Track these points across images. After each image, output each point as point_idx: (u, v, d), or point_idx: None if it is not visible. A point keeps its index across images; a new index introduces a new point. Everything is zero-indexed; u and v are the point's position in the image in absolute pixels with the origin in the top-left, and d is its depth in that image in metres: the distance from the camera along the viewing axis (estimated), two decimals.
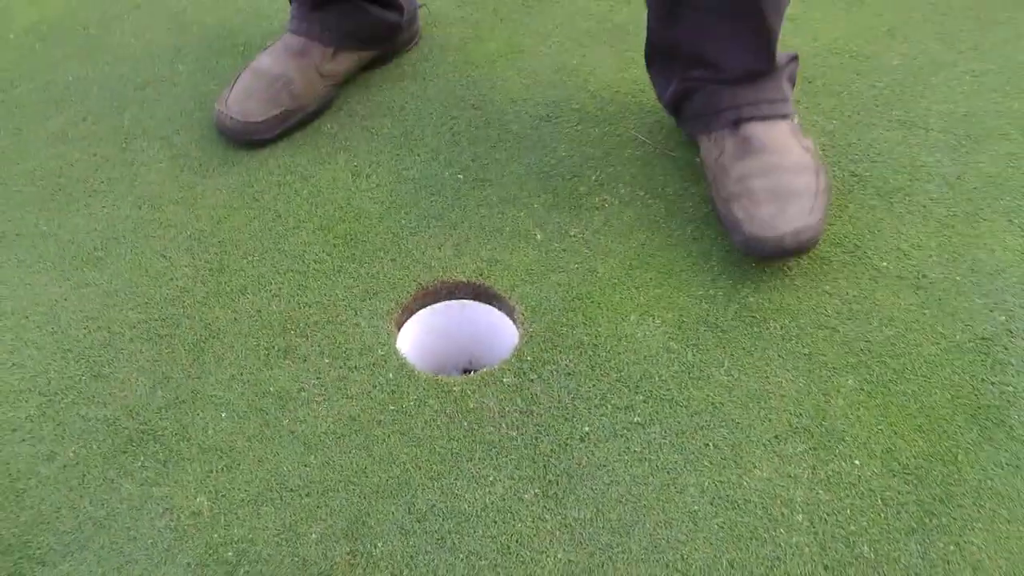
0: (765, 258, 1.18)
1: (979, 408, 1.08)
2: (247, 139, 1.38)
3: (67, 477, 1.06)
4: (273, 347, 1.15)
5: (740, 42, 1.23)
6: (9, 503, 1.04)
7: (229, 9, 1.66)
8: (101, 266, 1.25)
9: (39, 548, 1.01)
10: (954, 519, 0.99)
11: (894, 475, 1.03)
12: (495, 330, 1.19)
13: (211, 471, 1.05)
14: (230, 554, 0.99)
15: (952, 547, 0.98)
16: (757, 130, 1.25)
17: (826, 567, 0.97)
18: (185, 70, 1.53)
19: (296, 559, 0.99)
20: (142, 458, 1.07)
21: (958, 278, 1.20)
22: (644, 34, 1.50)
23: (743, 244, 1.18)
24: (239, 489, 1.04)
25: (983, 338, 1.14)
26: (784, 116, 1.26)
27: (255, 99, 1.37)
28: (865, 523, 0.99)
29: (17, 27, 1.62)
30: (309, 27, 1.41)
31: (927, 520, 0.99)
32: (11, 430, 1.10)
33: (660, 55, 1.31)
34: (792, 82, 1.32)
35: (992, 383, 1.10)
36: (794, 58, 1.31)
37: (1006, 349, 1.12)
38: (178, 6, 1.67)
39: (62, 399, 1.12)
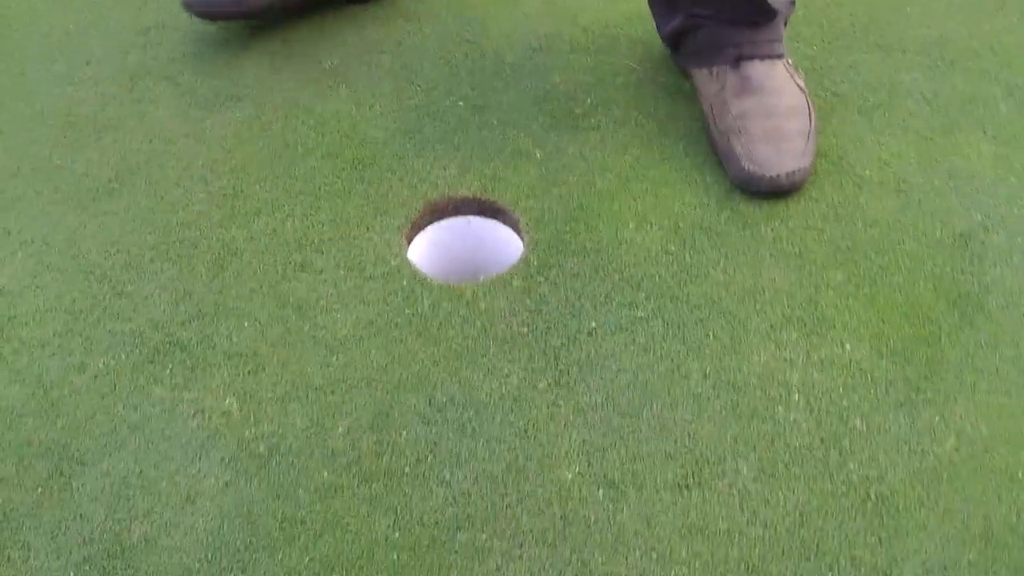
0: (759, 193, 1.25)
1: (959, 296, 1.15)
2: (208, 12, 1.46)
3: (99, 386, 1.11)
4: (290, 262, 1.21)
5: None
6: (44, 411, 1.09)
7: None
8: (117, 196, 1.30)
9: (78, 450, 1.06)
10: (939, 393, 1.06)
11: (882, 357, 1.10)
12: (500, 243, 1.25)
13: (238, 375, 1.11)
14: (262, 448, 1.05)
15: (937, 417, 1.05)
16: (757, 70, 1.33)
17: (822, 440, 1.03)
18: (184, 16, 1.57)
19: (325, 450, 1.04)
20: (170, 366, 1.12)
21: (936, 182, 1.27)
22: None
23: (739, 178, 1.26)
24: (266, 390, 1.09)
25: (961, 234, 1.21)
26: (780, 56, 1.34)
27: None
28: (857, 399, 1.06)
29: None
30: None
31: (913, 395, 1.06)
32: (40, 346, 1.15)
33: None
34: (786, 24, 1.38)
35: (971, 273, 1.17)
36: (792, 2, 1.38)
37: (983, 243, 1.20)
38: None
39: (87, 316, 1.17)
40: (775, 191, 1.25)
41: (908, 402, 1.06)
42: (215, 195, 1.29)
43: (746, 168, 1.25)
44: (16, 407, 1.10)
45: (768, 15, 1.32)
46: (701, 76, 1.36)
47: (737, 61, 1.33)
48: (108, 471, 1.04)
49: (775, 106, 1.30)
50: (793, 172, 1.25)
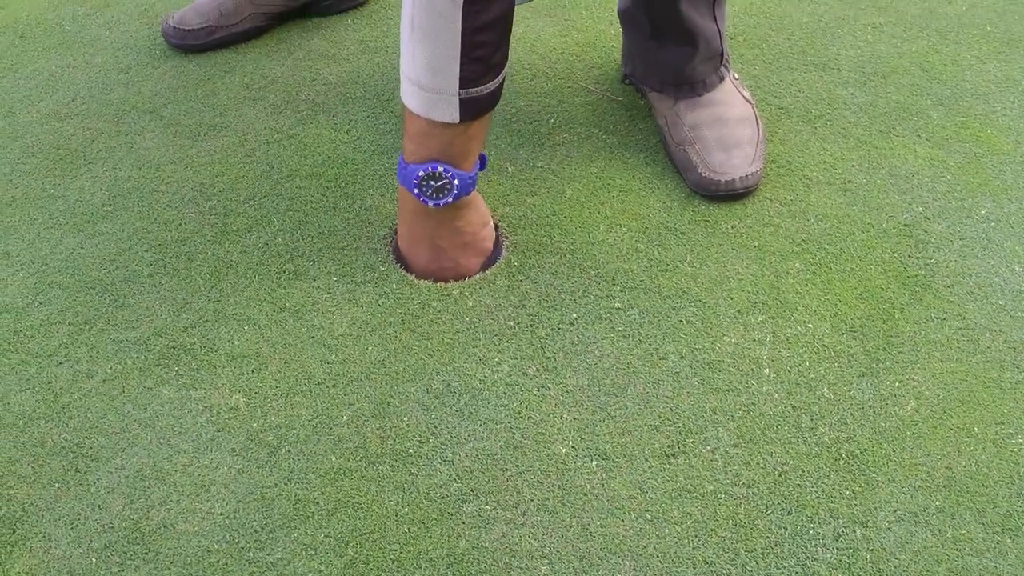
0: (715, 197, 1.35)
1: (908, 277, 1.25)
2: (180, 44, 1.65)
3: (108, 389, 1.16)
4: (284, 271, 1.27)
5: (695, 58, 1.41)
6: (56, 413, 1.14)
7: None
8: (111, 219, 1.36)
9: (91, 448, 1.11)
10: (897, 363, 1.16)
11: (842, 333, 1.19)
12: None
13: (242, 374, 1.17)
14: (271, 438, 1.11)
15: (897, 383, 1.14)
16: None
17: (794, 407, 1.12)
18: (162, 55, 1.65)
19: (332, 438, 1.10)
20: (176, 368, 1.17)
21: (879, 181, 1.38)
22: (580, 7, 1.68)
23: (697, 184, 1.36)
24: (270, 386, 1.15)
25: (905, 225, 1.31)
26: (723, 79, 1.44)
27: (193, 11, 1.64)
28: (822, 371, 1.15)
29: None
30: None
31: (874, 365, 1.16)
32: (47, 356, 1.20)
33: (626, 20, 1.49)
34: (723, 56, 1.49)
35: (917, 258, 1.27)
36: (721, 53, 1.49)
37: (925, 232, 1.30)
38: (146, 2, 1.79)
39: (92, 327, 1.22)
40: (731, 194, 1.35)
41: (869, 371, 1.15)
42: (206, 214, 1.35)
43: (703, 175, 1.35)
44: (28, 412, 1.14)
45: (716, 69, 1.42)
46: (654, 93, 1.47)
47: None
48: (122, 465, 1.09)
49: (725, 116, 1.40)
50: (747, 176, 1.35)
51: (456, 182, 1.17)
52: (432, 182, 1.17)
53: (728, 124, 1.40)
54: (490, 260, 1.29)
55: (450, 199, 1.19)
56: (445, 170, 1.16)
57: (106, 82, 1.59)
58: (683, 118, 1.41)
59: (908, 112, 1.49)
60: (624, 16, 1.45)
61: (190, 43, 1.63)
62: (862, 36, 1.65)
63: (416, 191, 1.18)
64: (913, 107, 1.50)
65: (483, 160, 1.22)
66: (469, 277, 1.27)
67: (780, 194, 1.36)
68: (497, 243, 1.31)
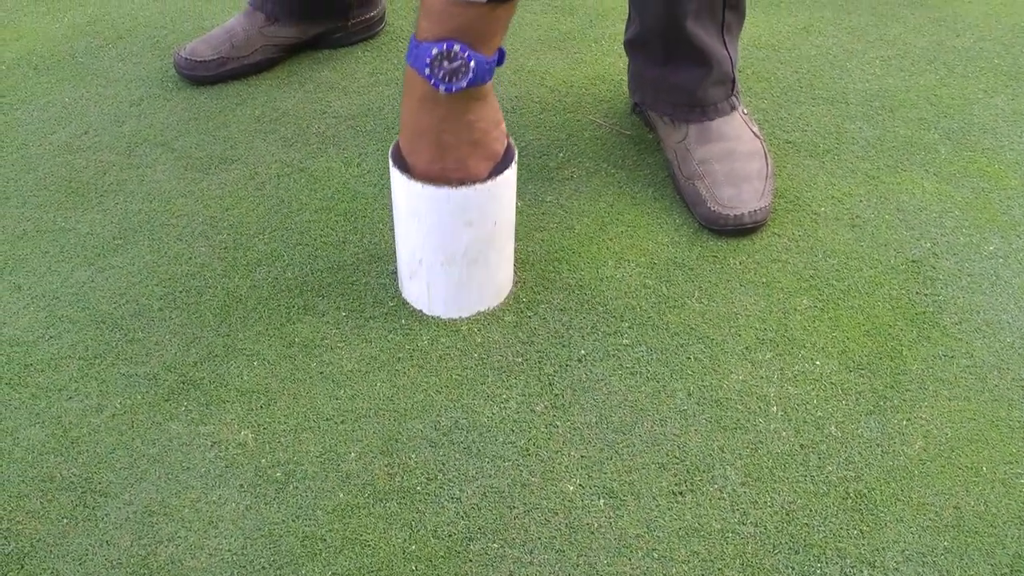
0: (723, 232, 1.36)
1: (916, 314, 1.25)
2: (191, 75, 1.66)
3: (117, 424, 1.16)
4: (293, 306, 1.28)
5: (706, 80, 1.41)
6: (65, 449, 1.14)
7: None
8: (122, 252, 1.37)
9: (100, 483, 1.11)
10: (904, 400, 1.16)
11: (850, 371, 1.19)
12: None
13: (251, 409, 1.17)
14: (279, 474, 1.11)
15: (905, 422, 1.14)
16: (716, 120, 1.44)
17: (801, 446, 1.12)
18: (174, 86, 1.66)
19: (340, 474, 1.11)
20: (185, 403, 1.18)
21: (887, 216, 1.38)
22: (589, 40, 1.69)
23: (706, 218, 1.36)
24: (279, 422, 1.16)
25: (913, 261, 1.32)
26: (735, 108, 1.45)
27: (205, 43, 1.66)
28: (830, 409, 1.15)
29: (7, 58, 1.74)
30: None
31: (881, 403, 1.16)
32: (57, 390, 1.20)
33: (634, 48, 1.49)
34: (734, 83, 1.50)
35: (925, 295, 1.27)
36: (733, 79, 1.50)
37: (933, 268, 1.31)
38: (159, 34, 1.80)
39: (101, 362, 1.23)
40: (740, 229, 1.35)
41: (877, 409, 1.15)
42: (216, 248, 1.36)
43: (712, 209, 1.36)
44: (37, 446, 1.14)
45: (727, 94, 1.43)
46: (664, 127, 1.47)
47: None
48: (131, 501, 1.09)
49: (735, 151, 1.41)
50: (755, 211, 1.35)
51: (473, 64, 1.05)
52: (446, 62, 1.05)
53: (738, 158, 1.41)
54: (499, 167, 1.18)
55: (464, 84, 1.07)
56: (462, 49, 1.04)
57: (118, 114, 1.60)
58: (693, 152, 1.42)
59: (916, 146, 1.49)
60: (633, 44, 1.46)
61: (201, 75, 1.64)
62: (870, 70, 1.66)
63: (427, 71, 1.06)
64: (921, 141, 1.50)
65: (501, 54, 1.11)
66: (475, 183, 1.16)
67: (788, 229, 1.37)
68: (508, 149, 1.20)
